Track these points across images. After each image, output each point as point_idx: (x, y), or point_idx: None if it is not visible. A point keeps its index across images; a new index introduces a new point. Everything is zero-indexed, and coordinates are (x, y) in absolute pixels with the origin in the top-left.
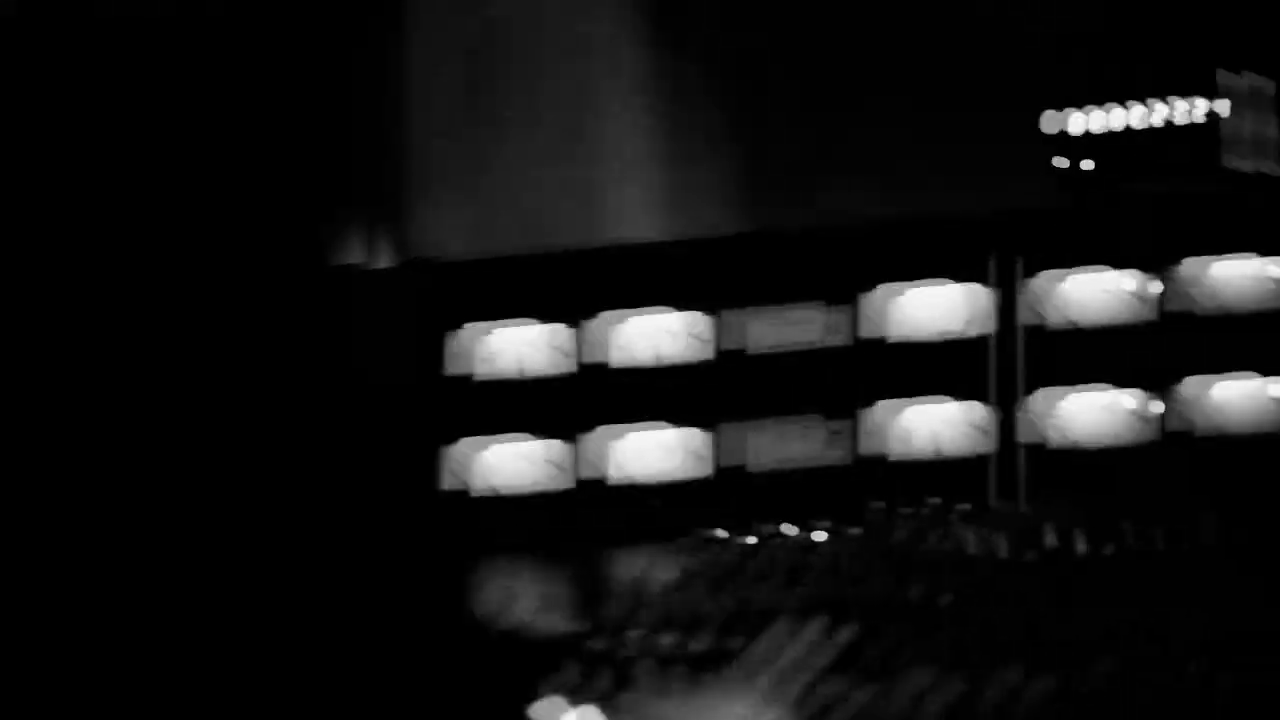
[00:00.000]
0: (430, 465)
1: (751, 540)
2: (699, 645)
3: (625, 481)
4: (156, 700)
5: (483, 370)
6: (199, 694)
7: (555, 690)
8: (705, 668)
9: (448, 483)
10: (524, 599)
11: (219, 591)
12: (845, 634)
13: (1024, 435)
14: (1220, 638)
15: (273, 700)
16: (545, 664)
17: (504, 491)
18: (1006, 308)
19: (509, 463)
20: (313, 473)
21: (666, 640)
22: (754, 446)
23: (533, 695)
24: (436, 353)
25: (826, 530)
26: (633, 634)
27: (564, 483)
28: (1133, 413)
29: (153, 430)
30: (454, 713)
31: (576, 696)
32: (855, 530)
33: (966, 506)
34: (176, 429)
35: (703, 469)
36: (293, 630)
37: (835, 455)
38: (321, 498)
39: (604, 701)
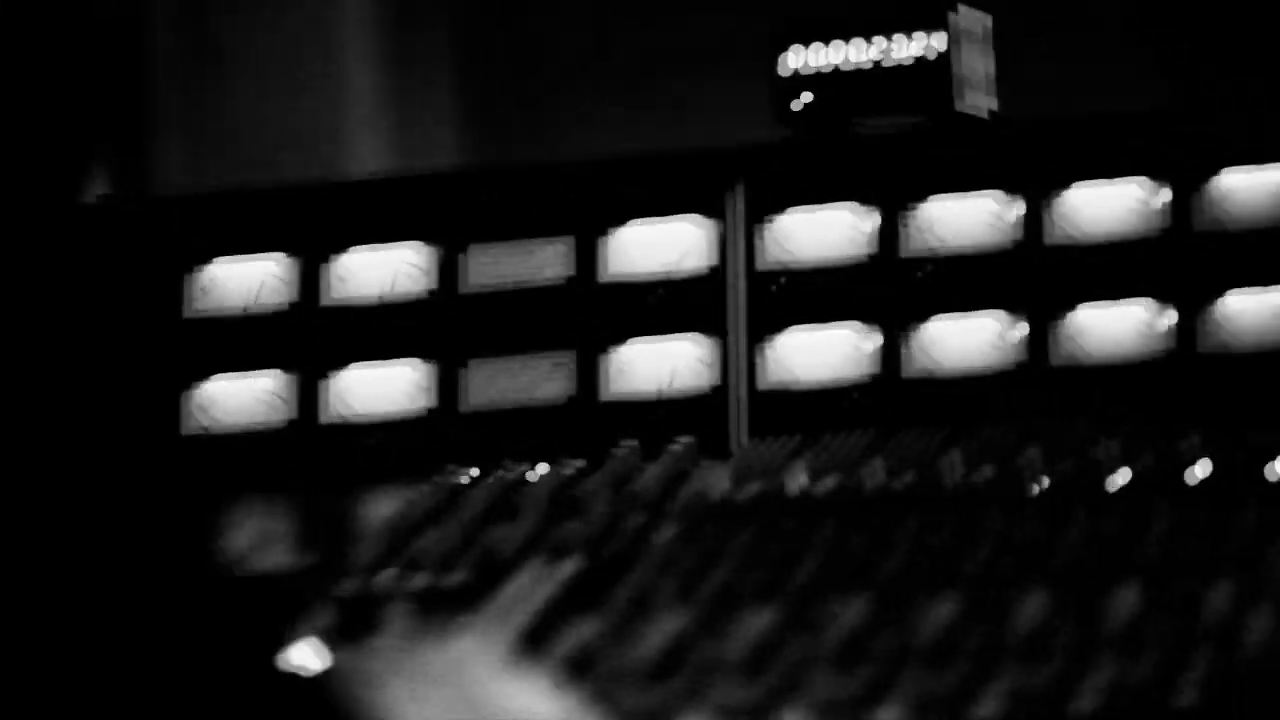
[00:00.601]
0: (170, 407)
1: (491, 480)
2: (449, 586)
3: (359, 419)
4: None
5: (217, 307)
6: None
7: (305, 634)
8: (456, 609)
9: (189, 424)
10: (270, 542)
11: None
12: (588, 574)
13: (752, 373)
14: (962, 577)
15: (12, 650)
16: (294, 608)
17: (244, 431)
18: (734, 244)
19: (246, 402)
20: (47, 413)
21: (417, 581)
22: (481, 383)
23: (283, 640)
24: (172, 290)
25: (563, 469)
26: (382, 575)
27: (302, 421)
28: (864, 351)
29: None
30: (202, 658)
31: (327, 640)
32: (591, 469)
33: (695, 443)
34: None
35: (433, 405)
36: (31, 576)
37: (565, 392)
38: (57, 441)
39: (355, 644)
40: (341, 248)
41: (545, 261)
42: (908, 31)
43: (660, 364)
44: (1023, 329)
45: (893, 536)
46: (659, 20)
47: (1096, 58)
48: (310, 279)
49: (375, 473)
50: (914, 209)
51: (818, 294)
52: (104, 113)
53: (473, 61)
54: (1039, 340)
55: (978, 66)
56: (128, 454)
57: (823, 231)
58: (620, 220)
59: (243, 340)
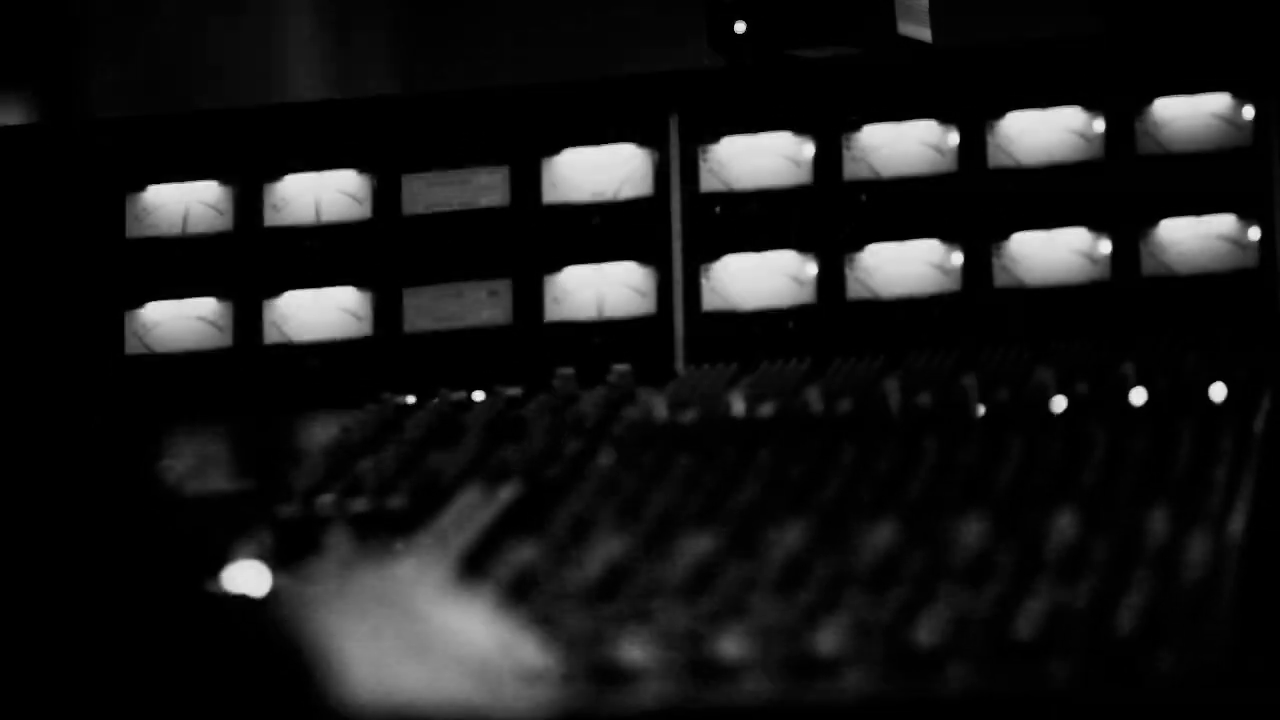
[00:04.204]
0: (112, 330)
1: (434, 403)
2: (389, 510)
3: (299, 344)
4: None
5: (156, 231)
6: None
7: (246, 556)
8: (396, 533)
9: (131, 346)
10: (210, 465)
11: None
12: (527, 499)
13: (691, 299)
14: (899, 500)
15: None
16: (235, 530)
17: (185, 354)
18: (669, 170)
19: (187, 325)
20: None
21: (356, 506)
22: (420, 308)
23: (223, 562)
24: (112, 213)
25: (502, 394)
26: (323, 499)
27: (241, 346)
28: (803, 277)
29: None
30: (143, 580)
31: (267, 562)
32: (531, 395)
33: (634, 369)
34: None
35: (369, 330)
36: None
37: (504, 318)
38: None
39: (295, 567)
40: (279, 173)
41: (483, 188)
42: None
43: (599, 290)
44: (960, 255)
45: (832, 461)
46: None
47: None
48: (248, 203)
49: (315, 397)
50: (852, 135)
51: (756, 220)
52: (38, 36)
53: None
54: (978, 266)
55: None
56: (69, 376)
57: (759, 158)
58: (558, 147)
59: (182, 264)
